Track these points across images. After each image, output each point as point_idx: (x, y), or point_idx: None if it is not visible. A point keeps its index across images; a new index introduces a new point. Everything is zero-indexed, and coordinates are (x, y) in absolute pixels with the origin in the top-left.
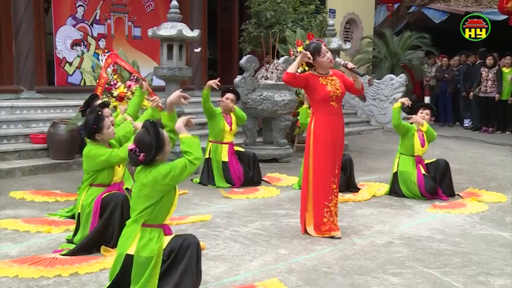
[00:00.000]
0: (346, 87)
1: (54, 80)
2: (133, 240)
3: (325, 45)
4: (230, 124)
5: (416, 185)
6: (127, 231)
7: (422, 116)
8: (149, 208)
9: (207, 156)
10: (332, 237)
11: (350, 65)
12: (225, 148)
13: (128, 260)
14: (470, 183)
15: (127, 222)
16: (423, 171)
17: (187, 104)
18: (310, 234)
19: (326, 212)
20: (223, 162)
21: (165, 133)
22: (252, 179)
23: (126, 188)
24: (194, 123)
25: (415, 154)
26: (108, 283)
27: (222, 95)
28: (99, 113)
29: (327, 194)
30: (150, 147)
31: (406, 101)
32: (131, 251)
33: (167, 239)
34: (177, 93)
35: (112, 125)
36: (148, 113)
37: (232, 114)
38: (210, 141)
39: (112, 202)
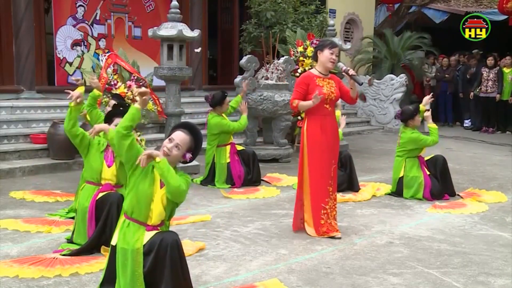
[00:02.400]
0: (341, 94)
1: (54, 80)
2: (116, 230)
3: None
4: None
5: (422, 188)
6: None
7: (428, 114)
8: (127, 196)
9: (210, 160)
10: (333, 237)
11: (351, 71)
12: (227, 149)
13: (112, 251)
14: (470, 183)
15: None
16: (427, 172)
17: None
18: (309, 235)
19: (323, 214)
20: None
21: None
22: (252, 177)
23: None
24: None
25: (419, 154)
26: (101, 277)
27: (223, 102)
28: (121, 108)
29: (324, 196)
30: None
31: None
32: (113, 241)
33: (148, 235)
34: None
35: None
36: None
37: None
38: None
39: (107, 203)
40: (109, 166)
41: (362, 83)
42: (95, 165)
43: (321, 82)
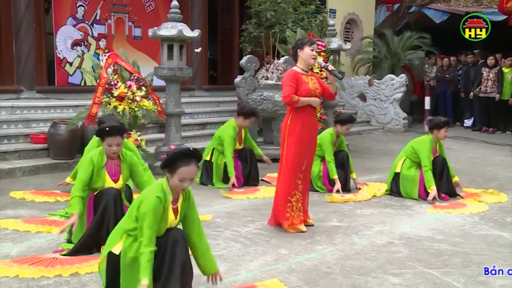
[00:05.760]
0: (320, 90)
1: (55, 80)
2: (119, 240)
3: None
4: (241, 140)
5: (417, 187)
6: (113, 231)
7: (446, 135)
8: (135, 230)
9: (207, 158)
10: (301, 231)
11: (330, 67)
12: None
13: (112, 259)
14: (470, 183)
15: (117, 224)
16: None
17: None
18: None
19: (288, 207)
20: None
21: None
22: (250, 174)
23: (127, 185)
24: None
25: None
26: (104, 285)
27: (248, 117)
28: (107, 128)
29: (291, 189)
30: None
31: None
32: (116, 250)
33: None
34: None
35: (118, 145)
36: None
37: (242, 130)
38: (214, 148)
39: (104, 198)
40: (115, 182)
41: (342, 78)
42: (98, 185)
43: (306, 78)
